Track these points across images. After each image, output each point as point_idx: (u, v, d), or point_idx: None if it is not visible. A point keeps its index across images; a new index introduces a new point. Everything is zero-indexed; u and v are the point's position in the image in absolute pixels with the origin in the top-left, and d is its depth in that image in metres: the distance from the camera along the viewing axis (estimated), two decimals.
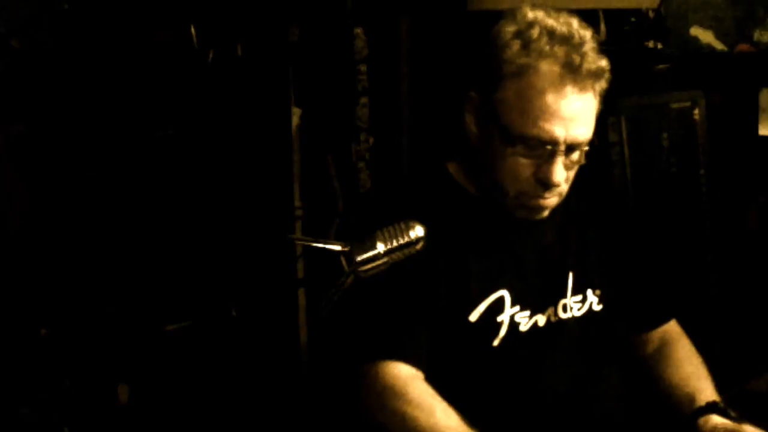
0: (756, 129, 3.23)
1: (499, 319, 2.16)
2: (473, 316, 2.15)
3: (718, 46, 3.32)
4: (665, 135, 3.25)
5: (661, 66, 3.28)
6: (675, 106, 3.25)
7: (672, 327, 2.41)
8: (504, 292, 2.17)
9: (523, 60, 2.05)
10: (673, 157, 3.26)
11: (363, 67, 3.30)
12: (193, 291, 3.20)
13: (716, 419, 2.16)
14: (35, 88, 3.03)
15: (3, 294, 2.99)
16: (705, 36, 3.32)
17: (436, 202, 2.19)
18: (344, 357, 2.19)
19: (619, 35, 3.22)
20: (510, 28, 2.09)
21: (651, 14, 3.29)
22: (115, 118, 3.13)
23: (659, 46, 3.29)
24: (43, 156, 3.05)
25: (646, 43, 3.31)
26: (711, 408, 2.19)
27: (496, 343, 2.15)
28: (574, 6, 2.51)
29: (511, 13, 2.12)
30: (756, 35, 3.32)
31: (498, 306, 2.16)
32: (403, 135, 3.34)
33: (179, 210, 3.19)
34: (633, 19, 3.28)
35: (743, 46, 3.32)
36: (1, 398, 2.96)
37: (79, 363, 3.08)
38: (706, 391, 2.25)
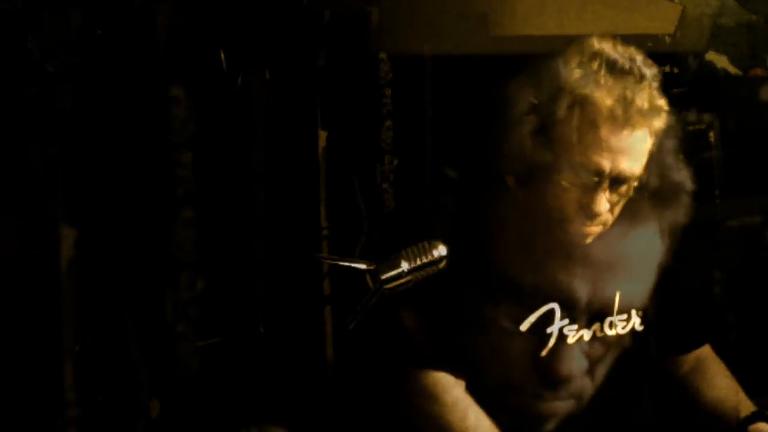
0: None
1: (548, 330, 2.22)
2: (524, 326, 2.20)
3: (733, 70, 3.35)
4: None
5: (676, 90, 3.29)
6: (691, 129, 3.27)
7: (704, 347, 2.46)
8: (555, 305, 2.22)
9: (581, 91, 2.07)
10: None
11: (388, 91, 3.31)
12: (223, 308, 3.23)
13: (766, 427, 2.24)
14: (69, 111, 3.06)
15: (37, 311, 3.04)
16: (720, 61, 3.34)
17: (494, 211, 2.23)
18: (389, 364, 2.25)
19: None
20: (576, 57, 2.11)
21: (667, 39, 3.32)
22: (147, 140, 3.15)
23: (675, 70, 3.32)
24: (77, 177, 3.09)
25: (662, 68, 3.33)
26: (758, 416, 2.26)
27: (544, 353, 2.22)
28: (591, 32, 2.56)
29: (579, 42, 2.15)
30: None
31: (548, 318, 2.22)
32: (426, 156, 3.36)
33: (209, 230, 3.22)
34: (650, 45, 3.31)
35: (757, 71, 3.35)
36: (37, 414, 3.03)
37: (111, 379, 3.12)
38: (746, 403, 2.32)
